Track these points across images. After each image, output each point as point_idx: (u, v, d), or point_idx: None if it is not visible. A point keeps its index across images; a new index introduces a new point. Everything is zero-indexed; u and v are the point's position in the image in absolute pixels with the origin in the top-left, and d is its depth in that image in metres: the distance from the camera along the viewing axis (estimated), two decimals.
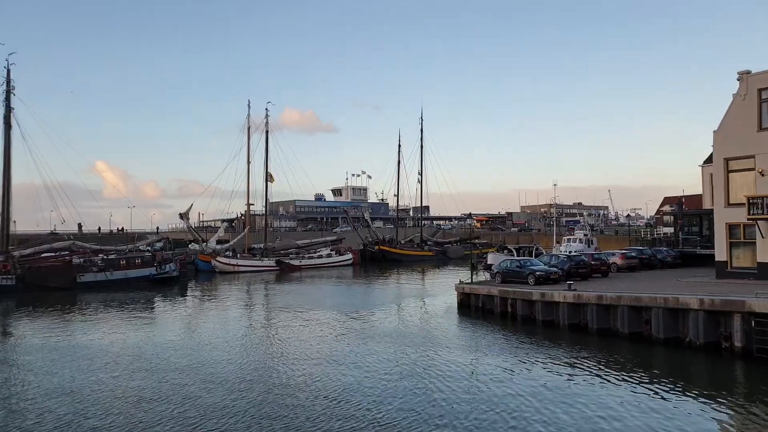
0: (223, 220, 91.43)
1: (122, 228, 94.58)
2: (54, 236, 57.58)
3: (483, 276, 34.56)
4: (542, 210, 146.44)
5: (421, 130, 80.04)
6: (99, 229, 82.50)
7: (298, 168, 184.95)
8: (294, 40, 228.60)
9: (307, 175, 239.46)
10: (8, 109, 44.30)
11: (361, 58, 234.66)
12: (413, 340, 22.69)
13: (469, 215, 52.04)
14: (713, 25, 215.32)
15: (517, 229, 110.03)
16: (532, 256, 38.59)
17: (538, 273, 28.42)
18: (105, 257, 47.20)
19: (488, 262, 37.53)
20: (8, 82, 44.52)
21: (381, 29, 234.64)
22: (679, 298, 20.19)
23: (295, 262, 62.54)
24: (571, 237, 54.29)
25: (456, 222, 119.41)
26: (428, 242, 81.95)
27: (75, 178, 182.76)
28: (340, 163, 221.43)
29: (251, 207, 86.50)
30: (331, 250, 67.57)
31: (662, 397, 14.74)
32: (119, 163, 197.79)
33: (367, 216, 78.40)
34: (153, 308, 35.38)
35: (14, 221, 47.30)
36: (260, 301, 39.03)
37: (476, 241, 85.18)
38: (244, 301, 38.70)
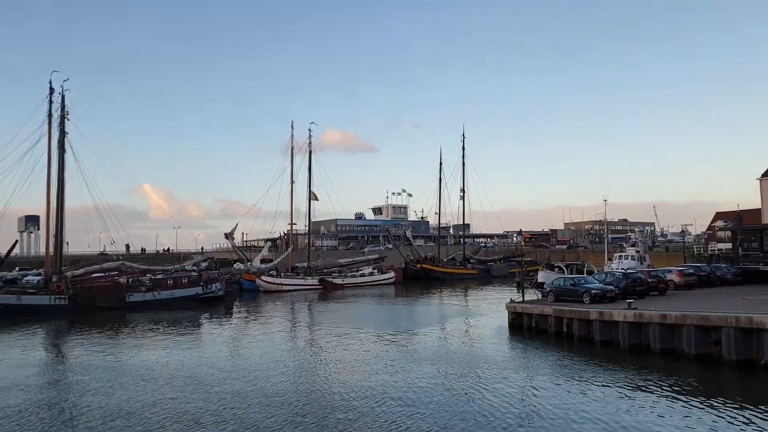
0: (266, 240, 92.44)
1: (168, 248, 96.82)
2: (104, 257, 59.08)
3: (535, 295, 33.50)
4: (587, 227, 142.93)
5: (463, 148, 79.46)
6: (142, 249, 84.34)
7: (338, 187, 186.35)
8: (333, 61, 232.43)
9: (348, 195, 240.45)
10: (62, 134, 45.85)
11: (399, 77, 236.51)
12: (465, 361, 21.95)
13: (519, 232, 50.39)
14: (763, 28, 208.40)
15: (565, 246, 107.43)
16: (582, 274, 37.28)
17: (594, 291, 27.30)
18: (152, 277, 48.01)
19: (538, 280, 36.41)
20: (63, 107, 46.17)
21: (419, 48, 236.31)
22: (753, 317, 18.90)
23: (338, 281, 62.47)
24: (623, 254, 52.44)
25: (498, 239, 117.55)
26: (471, 260, 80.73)
27: (122, 199, 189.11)
28: (380, 182, 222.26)
29: (293, 226, 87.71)
30: (374, 269, 67.27)
31: (743, 423, 13.63)
32: (164, 184, 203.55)
33: (408, 234, 77.87)
34: (201, 328, 35.61)
35: (67, 242, 48.64)
36: (306, 321, 38.80)
37: (520, 258, 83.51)
38: (290, 321, 38.57)
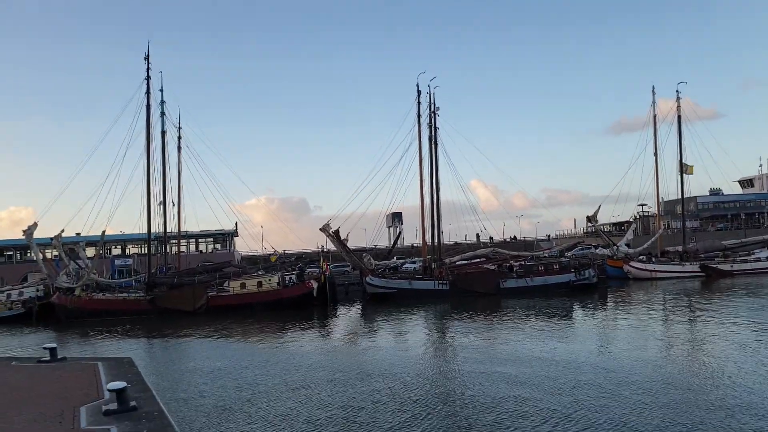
0: (613, 224, 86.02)
1: (514, 236, 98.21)
2: (456, 245, 61.96)
3: None
4: None
5: None
6: (490, 238, 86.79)
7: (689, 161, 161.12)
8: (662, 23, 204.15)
9: (698, 169, 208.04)
10: (433, 130, 48.92)
11: (742, 35, 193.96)
12: None
13: None
14: None
15: None
16: None
17: None
18: (523, 263, 47.58)
19: None
20: (431, 105, 49.29)
21: None
22: None
23: (725, 267, 52.42)
24: None
25: None
26: None
27: (455, 195, 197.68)
28: (731, 152, 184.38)
29: (643, 207, 78.44)
30: None
31: None
32: (489, 180, 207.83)
33: None
34: (575, 317, 33.76)
35: (442, 231, 51.92)
36: (699, 314, 31.35)
37: None
38: (677, 314, 32.52)
